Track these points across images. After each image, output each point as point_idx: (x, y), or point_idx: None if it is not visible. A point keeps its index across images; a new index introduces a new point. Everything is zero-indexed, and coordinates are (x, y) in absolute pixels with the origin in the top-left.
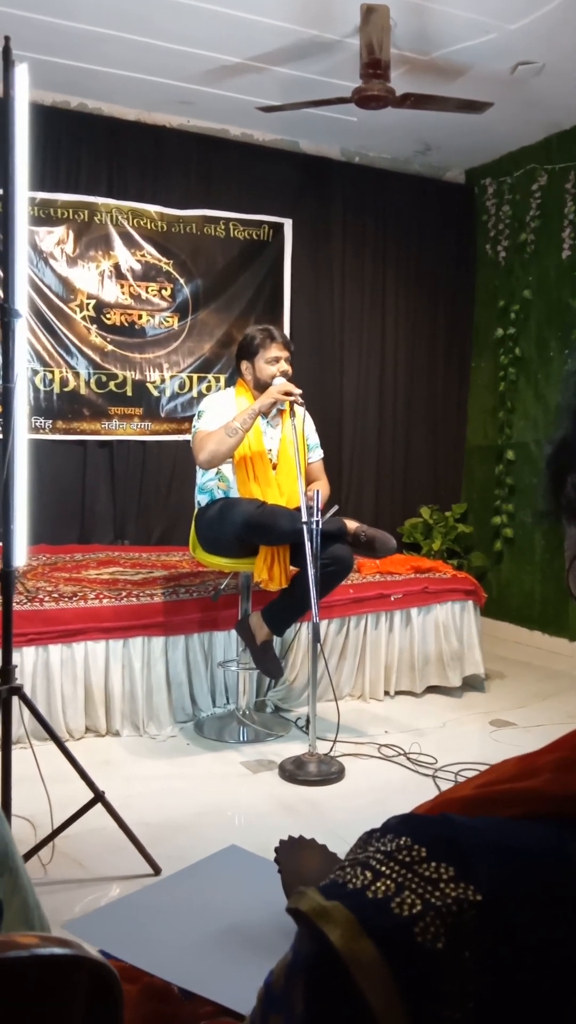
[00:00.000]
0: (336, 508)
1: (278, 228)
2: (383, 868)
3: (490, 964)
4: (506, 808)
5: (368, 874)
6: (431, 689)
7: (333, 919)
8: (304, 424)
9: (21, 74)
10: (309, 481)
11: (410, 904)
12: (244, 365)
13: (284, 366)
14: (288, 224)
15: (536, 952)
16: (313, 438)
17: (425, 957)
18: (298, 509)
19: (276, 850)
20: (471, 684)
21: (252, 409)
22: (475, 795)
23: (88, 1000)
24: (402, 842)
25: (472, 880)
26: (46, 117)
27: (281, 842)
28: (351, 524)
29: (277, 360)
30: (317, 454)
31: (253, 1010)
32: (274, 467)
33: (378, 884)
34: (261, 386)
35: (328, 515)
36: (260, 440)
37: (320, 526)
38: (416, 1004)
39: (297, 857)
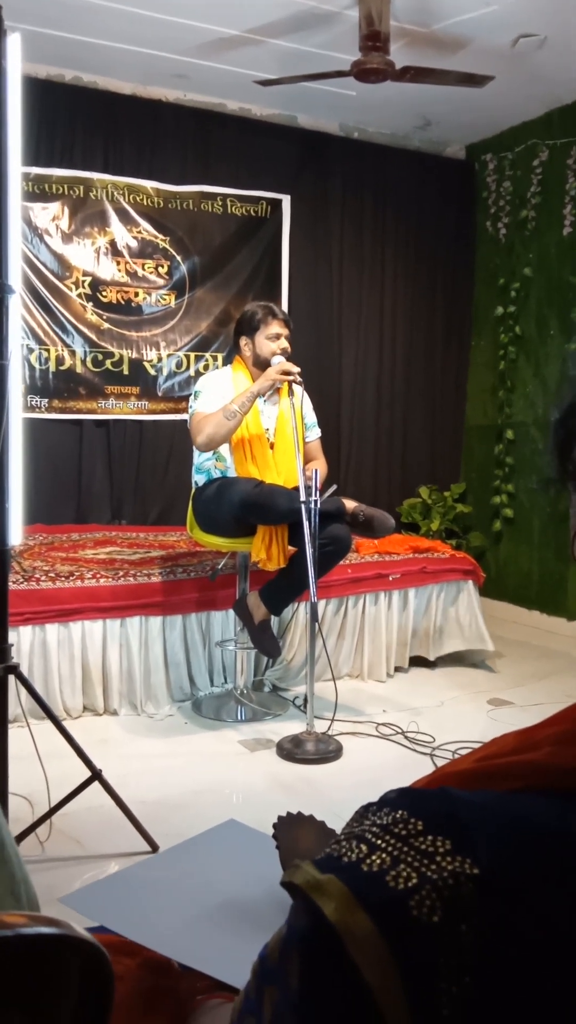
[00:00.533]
0: (334, 488)
1: (276, 204)
2: (379, 841)
3: (488, 938)
4: (505, 781)
5: (364, 847)
6: (429, 668)
7: (327, 892)
8: (302, 403)
9: (13, 44)
10: (307, 460)
11: (406, 877)
12: (243, 341)
13: (284, 343)
14: (286, 200)
15: (536, 925)
16: (310, 417)
17: (421, 931)
18: (296, 488)
19: (274, 826)
20: (469, 663)
21: (251, 391)
22: (474, 769)
23: (79, 980)
24: (399, 815)
25: (469, 853)
26: (41, 91)
27: (279, 818)
28: (349, 504)
29: (277, 337)
30: (314, 433)
31: (248, 983)
32: (271, 446)
33: (373, 857)
34: (260, 363)
35: (326, 495)
36: (258, 419)
37: (318, 506)
38: (412, 978)
39: (295, 833)
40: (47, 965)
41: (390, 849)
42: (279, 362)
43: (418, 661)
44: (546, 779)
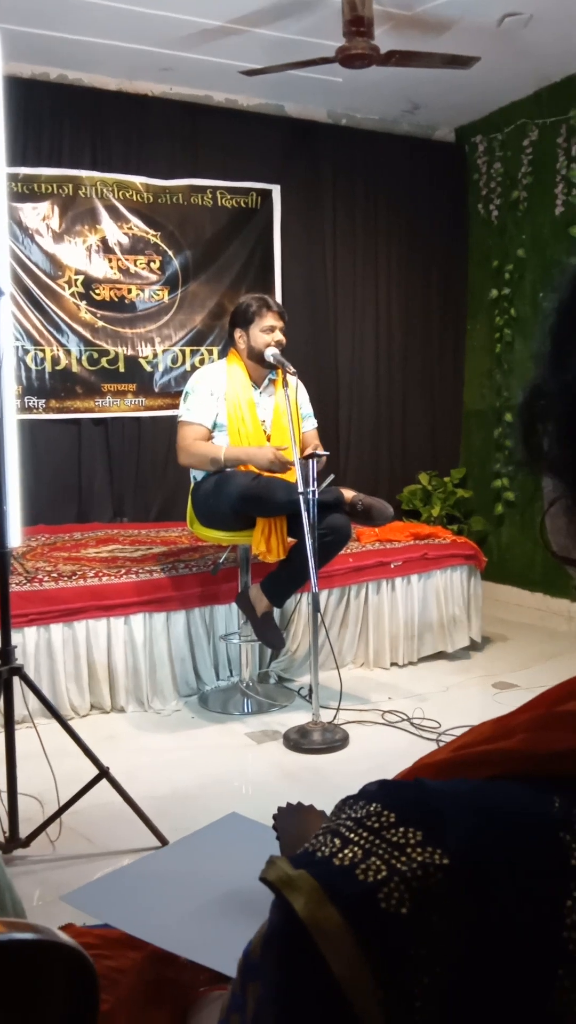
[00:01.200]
0: (332, 477)
1: (266, 194)
2: (351, 835)
3: (460, 927)
4: (481, 770)
5: (337, 841)
6: (433, 655)
7: (298, 888)
8: (297, 394)
9: None
10: (303, 450)
11: (375, 870)
12: (238, 333)
13: (279, 336)
14: (276, 190)
15: (511, 913)
16: (306, 407)
17: (390, 923)
18: (294, 480)
19: (274, 817)
20: (473, 648)
21: (245, 455)
22: (450, 758)
23: (64, 984)
24: (372, 808)
25: (439, 844)
26: (25, 90)
27: (280, 809)
28: (348, 493)
29: (272, 329)
30: (310, 423)
31: (235, 979)
32: (268, 438)
33: (345, 851)
34: (255, 355)
35: (324, 484)
36: (254, 412)
37: (316, 496)
38: (383, 970)
39: (296, 823)
40: (29, 971)
41: (362, 842)
42: (276, 457)
43: (422, 647)
44: (520, 766)
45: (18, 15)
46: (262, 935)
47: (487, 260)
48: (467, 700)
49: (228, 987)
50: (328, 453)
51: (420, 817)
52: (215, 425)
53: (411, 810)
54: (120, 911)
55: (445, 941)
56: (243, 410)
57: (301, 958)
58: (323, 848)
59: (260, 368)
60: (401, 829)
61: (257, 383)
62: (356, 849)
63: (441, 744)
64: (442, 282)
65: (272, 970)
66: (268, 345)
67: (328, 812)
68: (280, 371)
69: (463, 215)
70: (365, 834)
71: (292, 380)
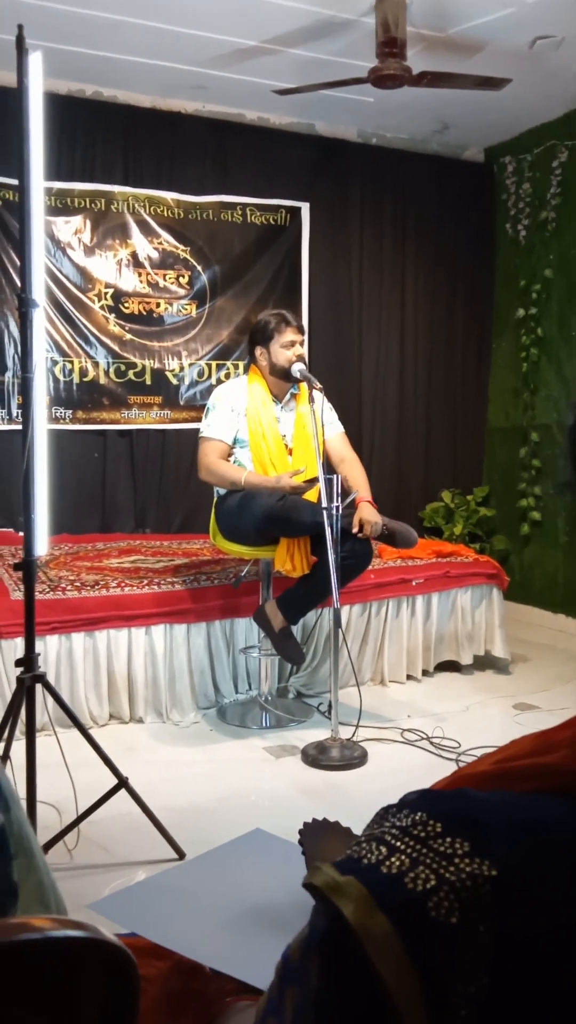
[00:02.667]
0: (354, 496)
1: (295, 212)
2: (398, 843)
3: (506, 938)
4: (523, 783)
5: (383, 849)
6: (453, 673)
7: (347, 894)
8: (322, 412)
9: (35, 62)
10: (337, 459)
11: (424, 879)
12: (259, 351)
13: (299, 350)
14: (305, 208)
15: (554, 925)
16: (329, 415)
17: (439, 932)
18: (319, 501)
19: (300, 832)
20: (494, 668)
21: (266, 483)
22: (492, 770)
23: (106, 982)
24: (417, 817)
25: (487, 855)
26: (61, 106)
27: (305, 824)
28: (373, 515)
29: (292, 344)
30: (334, 428)
31: (271, 983)
32: (289, 452)
33: (393, 859)
34: (276, 371)
35: (347, 502)
36: (275, 427)
37: (340, 512)
38: (430, 979)
39: (321, 839)
40: (74, 968)
41: (409, 851)
42: (291, 483)
43: (442, 666)
44: (563, 781)
45: (57, 34)
46: (302, 940)
47: (514, 280)
48: (487, 720)
49: (253, 998)
50: (356, 494)
51: (466, 828)
52: (236, 441)
53: (457, 821)
54: (148, 921)
55: (490, 951)
56: (264, 426)
57: (348, 963)
58: (369, 855)
59: (281, 384)
60: (448, 839)
61: (278, 399)
62: (403, 857)
63: (460, 764)
64: (468, 301)
65: (315, 974)
66: (289, 360)
67: (351, 829)
68: (302, 386)
69: (490, 235)
70: (412, 843)
71: (318, 396)
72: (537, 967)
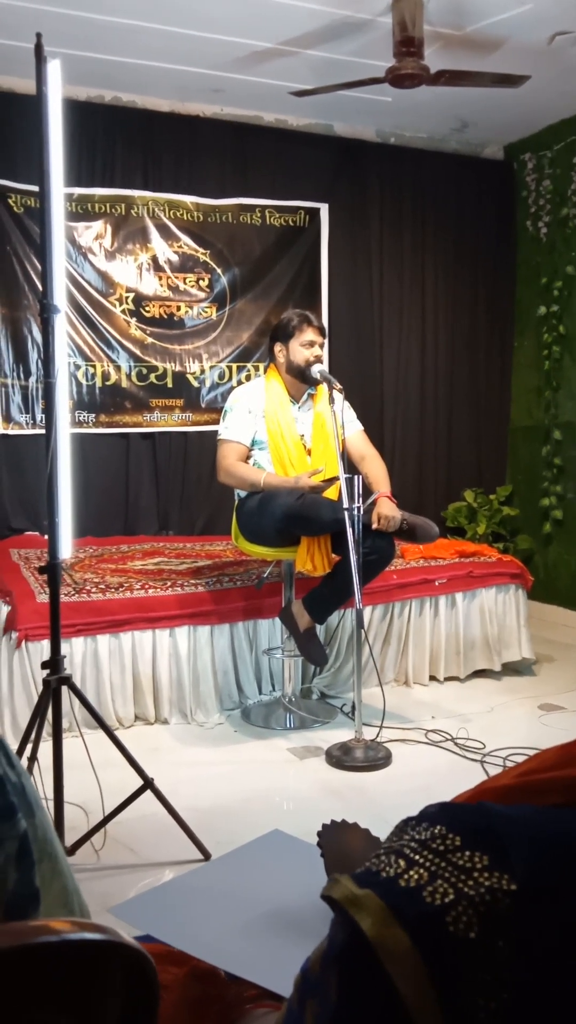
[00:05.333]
0: (377, 494)
1: (314, 213)
2: (416, 857)
3: (527, 953)
4: (545, 796)
5: (401, 862)
6: (477, 674)
7: (365, 907)
8: (343, 413)
9: (54, 70)
10: (359, 457)
11: (442, 893)
12: (278, 347)
13: (318, 351)
14: (324, 209)
15: (574, 941)
16: (348, 414)
17: (457, 946)
18: (339, 499)
19: (319, 834)
20: (518, 668)
21: (285, 483)
22: (514, 784)
23: (125, 985)
24: (437, 831)
25: (507, 869)
26: (81, 112)
27: (324, 826)
28: (393, 510)
29: (312, 344)
30: (354, 427)
31: (291, 996)
32: (308, 452)
33: (411, 872)
34: (293, 369)
35: (369, 501)
36: (293, 428)
37: (361, 512)
38: (448, 993)
39: (340, 841)
40: (93, 971)
41: (428, 864)
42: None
43: (466, 666)
44: None
45: (76, 41)
46: (322, 952)
47: (535, 277)
48: (512, 721)
49: (272, 1004)
50: (377, 493)
51: (486, 841)
52: (254, 443)
53: (477, 834)
54: (167, 925)
55: (509, 967)
56: (282, 427)
57: (366, 976)
58: (387, 868)
59: (298, 383)
60: (467, 853)
61: (296, 398)
62: (422, 871)
63: (485, 765)
64: (489, 299)
65: (334, 987)
66: (307, 360)
67: (371, 831)
68: (320, 387)
69: (511, 232)
70: (430, 856)
71: (338, 397)
72: (559, 982)
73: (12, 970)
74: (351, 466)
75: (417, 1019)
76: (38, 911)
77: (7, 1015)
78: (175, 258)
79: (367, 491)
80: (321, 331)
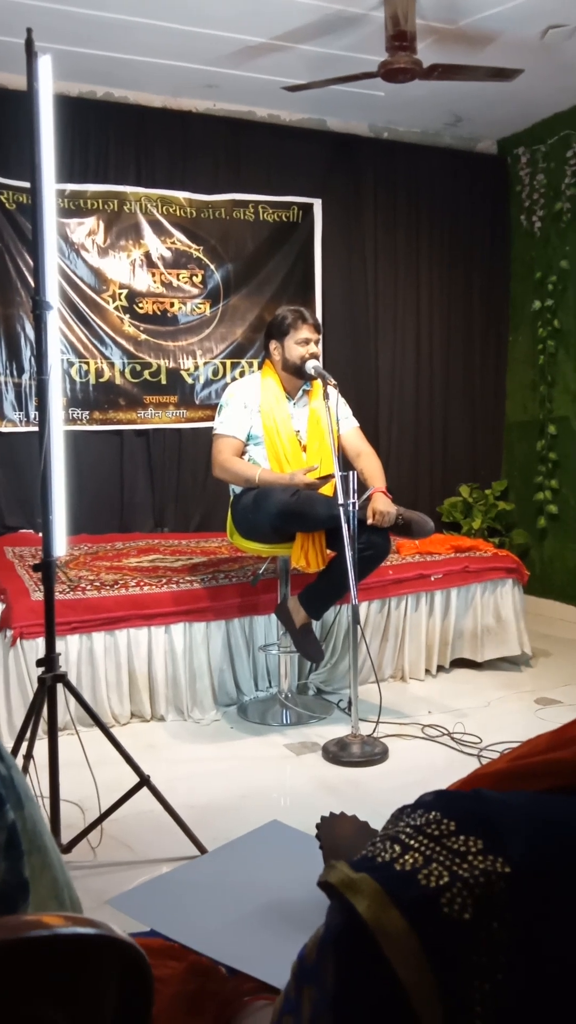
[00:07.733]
0: (372, 490)
1: (307, 208)
2: (412, 841)
3: (521, 936)
4: (538, 781)
5: (397, 847)
6: (474, 669)
7: (361, 890)
8: (337, 408)
9: (44, 65)
10: (354, 454)
11: (437, 876)
12: (273, 345)
13: (313, 348)
14: (318, 204)
15: (570, 922)
16: (344, 410)
17: (452, 928)
18: (334, 495)
19: (317, 826)
20: (515, 663)
21: (280, 480)
22: (507, 769)
23: (119, 980)
24: (432, 816)
25: (501, 852)
26: (73, 108)
27: (322, 817)
28: (388, 505)
29: (307, 342)
30: (349, 423)
31: (288, 983)
32: (304, 448)
33: (406, 857)
34: (289, 367)
35: (364, 497)
36: (288, 424)
37: (356, 508)
38: (445, 975)
39: (338, 832)
40: (86, 965)
41: (422, 849)
42: (305, 479)
43: (462, 662)
44: None
45: (67, 36)
46: (318, 938)
47: (530, 272)
48: (509, 715)
49: (270, 997)
50: (372, 489)
51: (480, 826)
52: (249, 437)
53: (471, 819)
54: (165, 917)
55: (504, 949)
56: (278, 423)
57: (363, 959)
58: (383, 853)
59: (294, 380)
60: (462, 837)
61: (291, 395)
62: (417, 855)
63: (482, 760)
64: (484, 294)
65: (331, 972)
66: (302, 357)
67: (370, 824)
68: (315, 383)
69: (505, 227)
70: (425, 841)
71: (333, 393)
72: (554, 964)
73: (4, 965)
74: (346, 462)
75: (415, 1001)
76: (27, 902)
77: (1, 1010)
78: (168, 254)
79: (362, 487)
80: (316, 328)
